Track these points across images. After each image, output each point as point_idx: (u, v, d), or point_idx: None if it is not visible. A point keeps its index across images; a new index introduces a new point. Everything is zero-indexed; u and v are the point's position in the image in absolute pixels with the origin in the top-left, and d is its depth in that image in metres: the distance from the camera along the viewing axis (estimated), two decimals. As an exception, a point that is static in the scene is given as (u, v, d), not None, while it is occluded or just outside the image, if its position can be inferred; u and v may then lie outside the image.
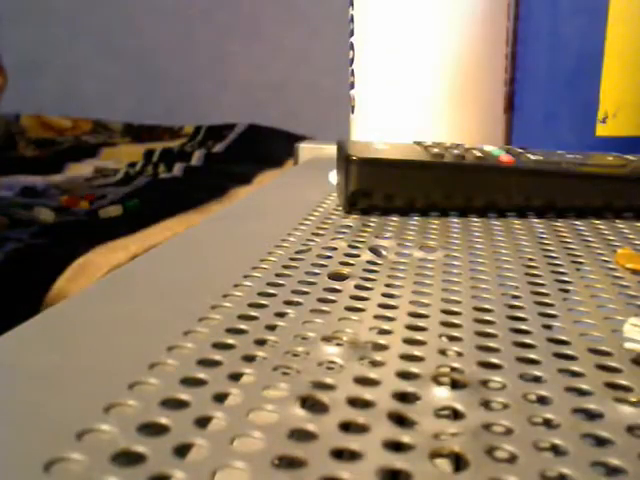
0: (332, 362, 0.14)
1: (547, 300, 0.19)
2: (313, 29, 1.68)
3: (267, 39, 1.72)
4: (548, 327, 0.17)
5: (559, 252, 0.24)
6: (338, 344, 0.15)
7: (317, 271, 0.21)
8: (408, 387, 0.13)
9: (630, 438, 0.12)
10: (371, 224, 0.27)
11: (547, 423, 0.12)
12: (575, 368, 0.14)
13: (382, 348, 0.15)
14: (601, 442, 0.12)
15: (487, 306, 0.18)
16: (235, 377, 0.13)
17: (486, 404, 0.13)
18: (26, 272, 0.67)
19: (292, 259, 0.22)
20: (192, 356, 0.14)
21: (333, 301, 0.18)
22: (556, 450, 0.11)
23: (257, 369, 0.14)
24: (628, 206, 0.30)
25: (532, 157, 0.29)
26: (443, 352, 0.15)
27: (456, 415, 0.12)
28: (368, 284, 0.20)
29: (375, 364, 0.14)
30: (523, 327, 0.16)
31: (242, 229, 0.27)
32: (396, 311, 0.17)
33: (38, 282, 0.66)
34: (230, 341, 0.15)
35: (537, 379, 0.14)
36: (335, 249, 0.23)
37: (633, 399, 0.13)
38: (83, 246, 0.71)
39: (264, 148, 1.43)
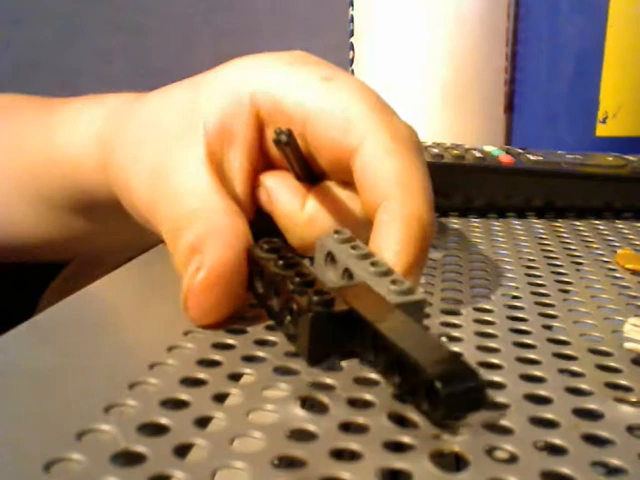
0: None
1: (547, 300, 0.19)
2: (313, 29, 1.68)
3: (267, 39, 1.72)
4: (548, 327, 0.17)
5: (559, 252, 0.24)
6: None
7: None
8: (408, 387, 0.13)
9: (630, 438, 0.12)
10: (371, 224, 0.27)
11: (547, 423, 0.12)
12: (575, 368, 0.14)
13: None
14: (601, 442, 0.12)
15: (487, 306, 0.18)
16: (235, 377, 0.13)
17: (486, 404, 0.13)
18: (23, 269, 0.67)
19: (292, 259, 0.22)
20: (192, 356, 0.14)
21: (333, 301, 0.18)
22: (556, 450, 0.11)
23: (257, 369, 0.14)
24: (628, 206, 0.30)
25: (532, 157, 0.29)
26: (443, 352, 0.15)
27: (456, 415, 0.12)
28: (368, 284, 0.20)
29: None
30: (523, 327, 0.16)
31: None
32: (396, 311, 0.17)
33: (35, 280, 0.65)
34: (230, 341, 0.15)
35: (537, 379, 0.14)
36: (335, 249, 0.23)
37: (633, 399, 0.13)
38: None
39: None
